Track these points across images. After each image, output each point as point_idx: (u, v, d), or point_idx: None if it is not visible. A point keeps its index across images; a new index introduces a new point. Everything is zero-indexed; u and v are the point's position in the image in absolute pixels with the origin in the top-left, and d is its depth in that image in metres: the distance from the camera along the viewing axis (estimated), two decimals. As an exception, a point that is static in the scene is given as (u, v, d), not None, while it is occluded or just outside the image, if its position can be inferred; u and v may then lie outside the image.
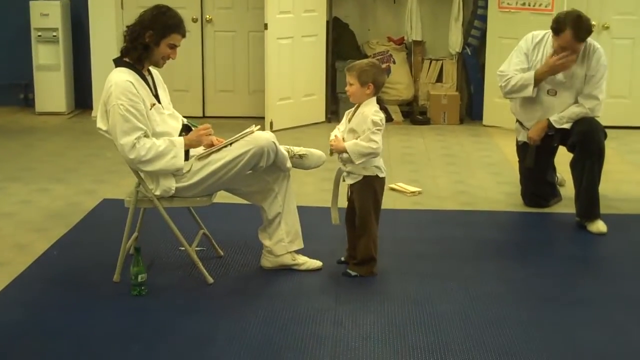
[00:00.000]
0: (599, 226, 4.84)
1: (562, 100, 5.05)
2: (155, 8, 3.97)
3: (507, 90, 5.11)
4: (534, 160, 5.16)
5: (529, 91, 5.03)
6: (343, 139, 4.05)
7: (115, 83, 3.82)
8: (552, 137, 5.13)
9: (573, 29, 4.79)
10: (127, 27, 3.98)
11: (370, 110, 3.99)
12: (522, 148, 5.28)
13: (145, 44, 3.90)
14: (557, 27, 4.86)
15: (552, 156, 5.32)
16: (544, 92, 5.08)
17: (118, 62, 3.95)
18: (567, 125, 5.01)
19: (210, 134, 4.02)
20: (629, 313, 3.80)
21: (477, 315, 3.73)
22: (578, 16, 4.84)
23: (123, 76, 3.85)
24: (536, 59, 5.07)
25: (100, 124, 3.90)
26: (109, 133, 3.88)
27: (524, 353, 3.37)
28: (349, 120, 4.07)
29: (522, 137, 5.26)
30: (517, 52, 5.15)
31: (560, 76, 5.01)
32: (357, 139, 3.98)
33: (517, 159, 5.43)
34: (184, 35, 4.00)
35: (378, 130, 3.95)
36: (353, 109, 4.10)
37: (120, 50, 3.98)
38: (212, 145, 4.01)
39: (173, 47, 3.96)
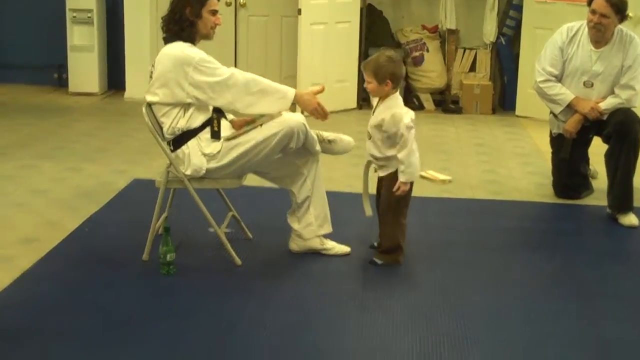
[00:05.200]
0: (631, 219, 4.79)
1: (598, 92, 5.00)
2: None
3: (542, 92, 5.12)
4: (569, 151, 5.12)
5: (556, 110, 5.09)
6: (369, 134, 3.99)
7: (174, 54, 3.87)
8: (588, 129, 5.09)
9: None
10: (163, 18, 3.99)
11: (400, 111, 3.89)
12: (557, 139, 5.24)
13: (191, 21, 3.93)
14: None
15: (587, 147, 5.28)
16: (581, 84, 5.03)
17: (169, 39, 3.97)
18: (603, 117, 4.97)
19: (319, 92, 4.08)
20: (659, 307, 3.77)
21: (504, 305, 3.71)
22: None
23: (180, 46, 3.90)
24: (571, 52, 5.03)
25: (152, 97, 3.90)
26: (162, 103, 3.88)
27: (552, 345, 3.35)
28: (373, 112, 4.01)
29: (557, 129, 5.21)
30: (552, 45, 5.10)
31: (597, 67, 4.96)
32: (386, 137, 3.91)
33: (549, 149, 5.39)
34: None
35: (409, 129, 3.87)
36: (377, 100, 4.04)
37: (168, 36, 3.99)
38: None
39: (214, 12, 3.99)
